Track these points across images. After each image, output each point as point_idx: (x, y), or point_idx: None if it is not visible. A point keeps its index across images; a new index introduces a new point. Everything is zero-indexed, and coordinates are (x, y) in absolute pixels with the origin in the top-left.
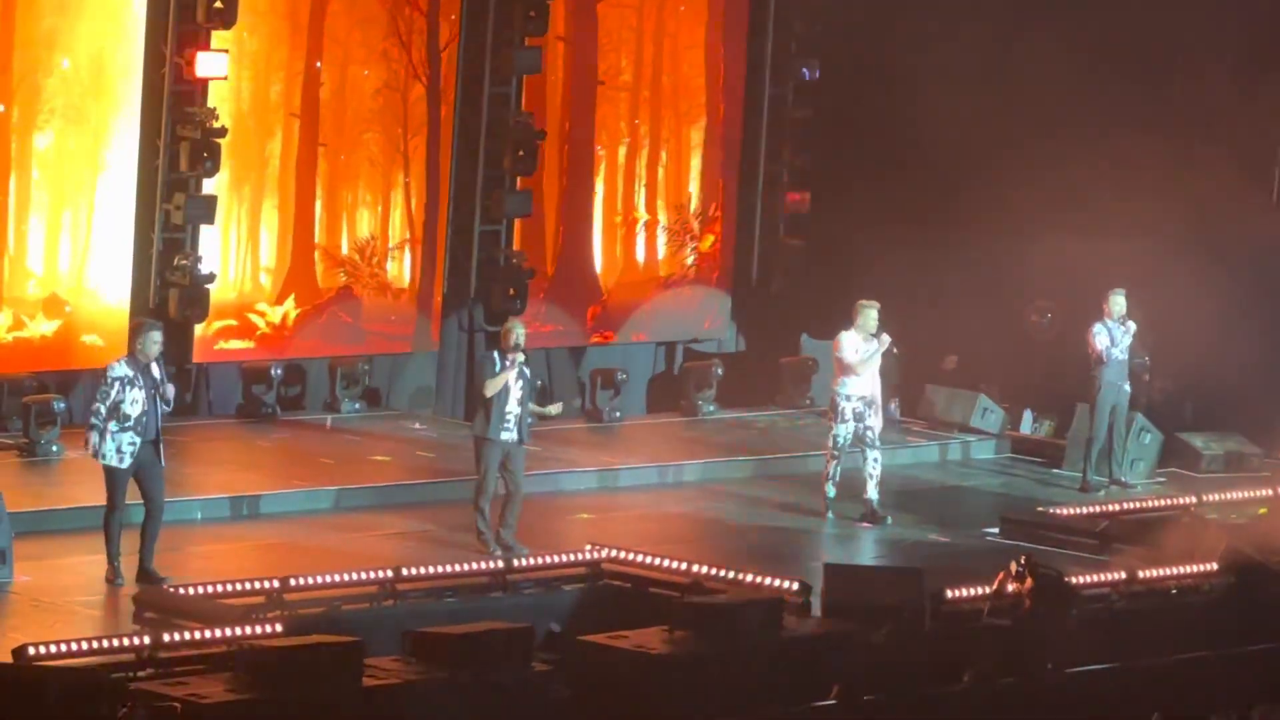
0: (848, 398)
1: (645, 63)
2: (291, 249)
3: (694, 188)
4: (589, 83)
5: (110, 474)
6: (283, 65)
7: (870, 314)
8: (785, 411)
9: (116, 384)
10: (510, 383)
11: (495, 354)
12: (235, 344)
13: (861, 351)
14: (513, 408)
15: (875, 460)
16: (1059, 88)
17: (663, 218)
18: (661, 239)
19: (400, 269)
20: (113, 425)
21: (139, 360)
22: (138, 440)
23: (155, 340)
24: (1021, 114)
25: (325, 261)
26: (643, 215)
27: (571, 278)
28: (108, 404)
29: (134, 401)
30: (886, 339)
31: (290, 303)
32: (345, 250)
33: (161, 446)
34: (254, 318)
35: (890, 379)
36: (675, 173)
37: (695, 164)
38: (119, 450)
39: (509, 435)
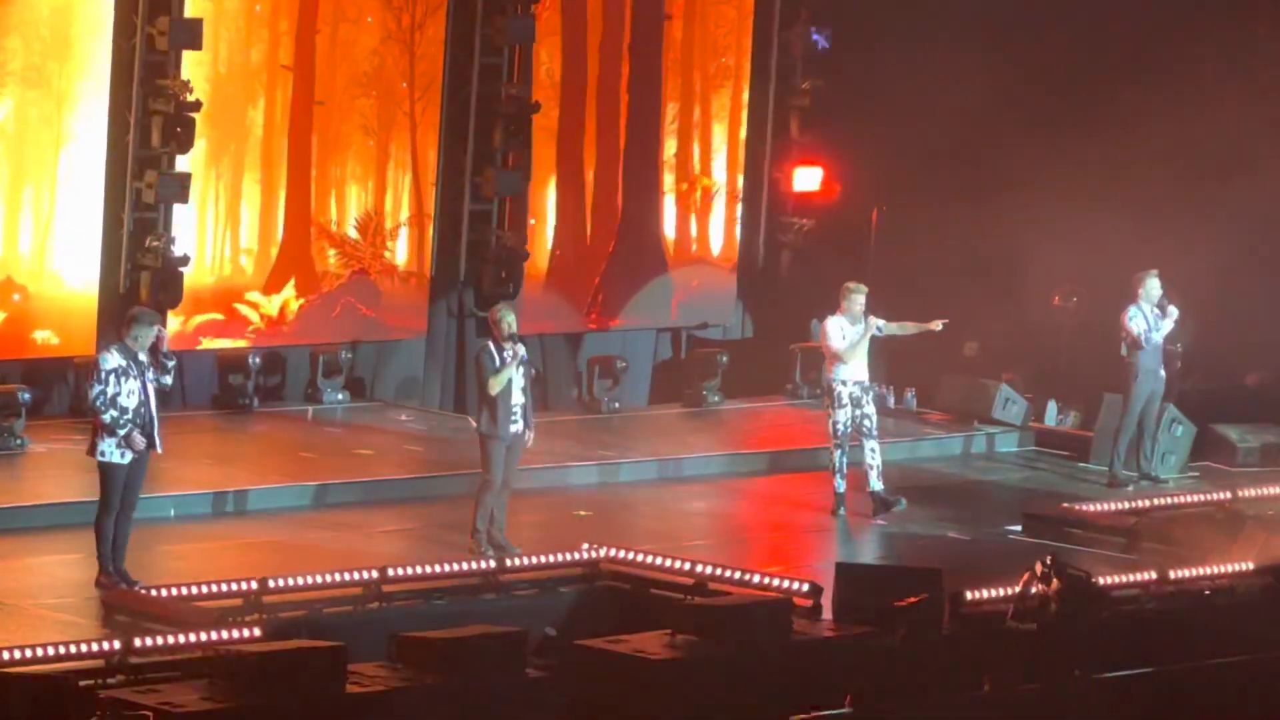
0: (843, 383)
1: (677, 16)
2: (283, 227)
3: (722, 159)
4: (653, 18)
5: (108, 471)
6: (265, 24)
7: (857, 298)
8: (795, 402)
9: (111, 377)
10: (513, 375)
11: (490, 345)
12: (224, 343)
13: (849, 336)
14: (518, 399)
15: (874, 451)
16: (1087, 59)
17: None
18: (716, 210)
19: (395, 248)
20: (109, 419)
21: (129, 348)
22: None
23: (148, 334)
24: (1047, 87)
25: (323, 242)
26: (714, 184)
27: (637, 257)
28: (108, 399)
29: (130, 393)
30: (875, 322)
31: (290, 290)
32: (343, 228)
33: (158, 438)
34: (245, 310)
35: (880, 366)
36: (704, 139)
37: (721, 131)
38: (119, 445)
39: (516, 428)
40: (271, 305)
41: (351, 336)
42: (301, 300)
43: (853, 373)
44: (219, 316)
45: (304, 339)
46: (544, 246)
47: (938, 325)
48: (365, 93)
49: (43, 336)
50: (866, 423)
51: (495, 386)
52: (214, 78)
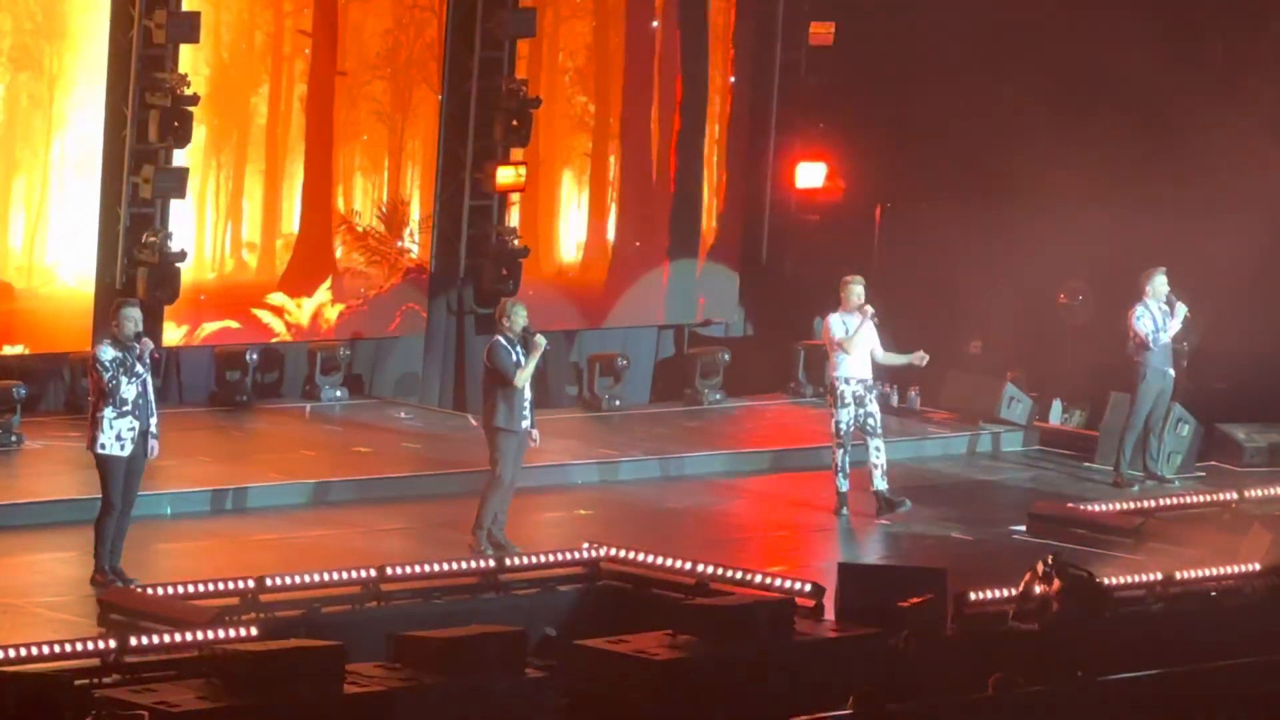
0: (846, 380)
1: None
2: (299, 218)
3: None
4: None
5: (108, 465)
6: (270, 4)
7: (855, 289)
8: (797, 400)
9: (114, 365)
10: (520, 364)
11: (501, 339)
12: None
13: (850, 327)
14: (529, 394)
15: (878, 449)
16: (1093, 53)
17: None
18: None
19: (415, 242)
20: (109, 412)
21: (121, 342)
22: (136, 425)
23: (127, 317)
24: (1053, 81)
25: (345, 234)
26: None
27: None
28: (117, 382)
29: (129, 385)
30: (869, 309)
31: (324, 293)
32: (365, 219)
33: (153, 439)
34: (266, 317)
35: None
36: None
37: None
38: (119, 437)
39: (526, 423)
40: (301, 312)
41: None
42: (341, 306)
43: (855, 370)
44: (233, 324)
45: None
46: (554, 242)
47: (922, 359)
48: (378, 75)
49: (14, 351)
50: (870, 421)
51: (521, 379)
52: (216, 63)
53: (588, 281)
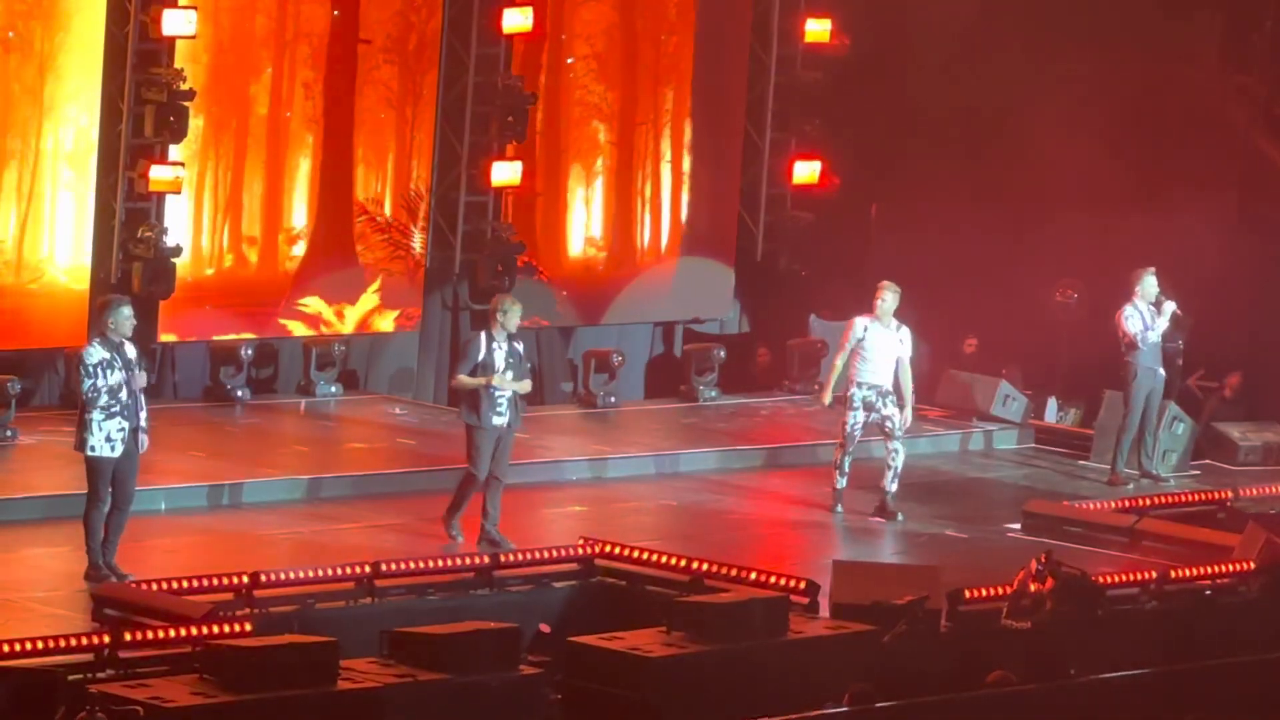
0: (859, 385)
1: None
2: (316, 209)
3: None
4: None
5: (96, 464)
6: None
7: (887, 296)
8: (791, 397)
9: (98, 370)
10: (498, 366)
11: (482, 337)
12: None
13: (870, 333)
14: (505, 391)
15: (895, 451)
16: (1087, 52)
17: None
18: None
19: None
20: (97, 414)
21: (111, 340)
22: (126, 425)
23: (126, 316)
24: (1049, 80)
25: (359, 228)
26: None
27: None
28: (96, 393)
29: (117, 385)
30: (908, 334)
31: (371, 297)
32: (387, 210)
33: (143, 434)
34: (299, 329)
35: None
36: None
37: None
38: (108, 438)
39: (500, 420)
40: (345, 322)
41: None
42: (395, 313)
43: (870, 375)
44: (250, 338)
45: None
46: (567, 236)
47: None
48: (387, 59)
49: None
50: (889, 424)
51: (463, 384)
52: (215, 50)
53: (609, 277)
